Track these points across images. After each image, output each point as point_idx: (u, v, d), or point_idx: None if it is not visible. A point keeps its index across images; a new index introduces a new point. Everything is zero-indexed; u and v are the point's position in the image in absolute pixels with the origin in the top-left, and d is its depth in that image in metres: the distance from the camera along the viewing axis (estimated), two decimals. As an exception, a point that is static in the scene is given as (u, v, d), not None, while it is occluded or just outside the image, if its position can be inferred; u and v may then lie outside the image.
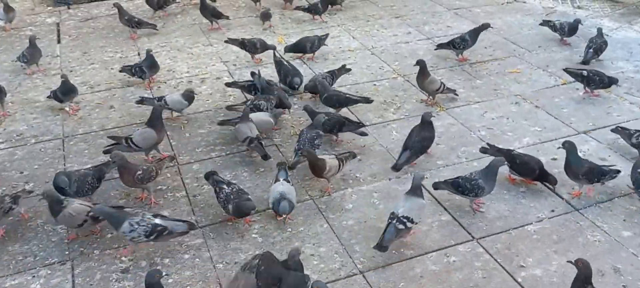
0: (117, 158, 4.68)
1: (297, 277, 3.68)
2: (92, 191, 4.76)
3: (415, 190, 4.31)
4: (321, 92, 6.02)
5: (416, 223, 4.26)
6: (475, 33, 7.16)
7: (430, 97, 6.29)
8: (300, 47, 7.33)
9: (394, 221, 4.16)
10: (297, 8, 8.78)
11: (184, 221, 4.36)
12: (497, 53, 7.49)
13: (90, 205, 4.43)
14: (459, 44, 7.14)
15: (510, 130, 5.75)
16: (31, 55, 7.23)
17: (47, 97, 6.41)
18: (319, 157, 4.90)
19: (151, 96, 6.39)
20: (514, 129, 5.78)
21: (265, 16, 8.44)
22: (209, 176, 4.72)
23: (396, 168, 5.18)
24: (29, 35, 8.43)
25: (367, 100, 5.93)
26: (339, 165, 4.87)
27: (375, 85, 6.76)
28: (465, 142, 5.58)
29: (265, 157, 5.25)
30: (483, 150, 5.13)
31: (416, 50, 7.65)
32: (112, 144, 5.28)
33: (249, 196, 4.54)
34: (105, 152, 5.24)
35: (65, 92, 6.26)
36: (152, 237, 4.15)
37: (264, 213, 4.68)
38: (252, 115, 5.58)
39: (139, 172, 4.67)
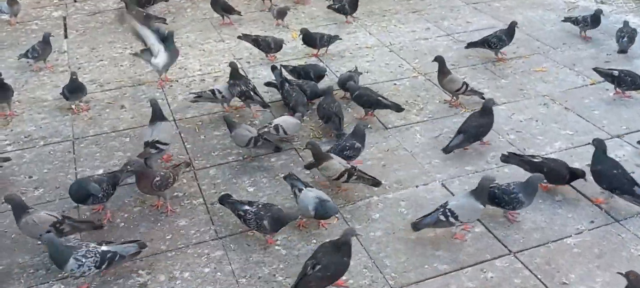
0: (136, 166, 4.44)
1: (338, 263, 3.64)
2: (107, 198, 4.52)
3: (479, 192, 4.10)
4: (352, 89, 5.77)
5: (460, 223, 4.08)
6: (510, 33, 6.85)
7: (453, 97, 6.04)
8: (311, 40, 7.04)
9: (440, 210, 4.09)
10: (329, 7, 8.33)
11: (133, 241, 4.05)
12: (521, 50, 7.22)
13: (57, 216, 4.14)
14: (495, 44, 6.83)
15: (541, 134, 5.50)
16: (43, 50, 6.98)
17: (60, 93, 6.14)
18: (327, 153, 4.75)
19: (200, 92, 6.02)
20: (544, 132, 5.52)
21: (281, 13, 8.13)
22: (224, 200, 4.40)
23: (446, 150, 5.11)
24: (35, 29, 8.29)
25: (399, 108, 5.64)
26: (342, 175, 4.59)
27: (395, 84, 6.50)
28: (494, 146, 5.32)
29: (277, 149, 5.08)
30: (504, 160, 4.86)
31: (436, 47, 7.38)
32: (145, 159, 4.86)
33: (279, 206, 4.31)
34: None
35: (72, 90, 6.02)
36: (103, 266, 3.83)
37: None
38: (280, 119, 5.36)
39: (157, 179, 4.43)
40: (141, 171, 4.43)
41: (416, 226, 4.15)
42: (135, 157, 4.69)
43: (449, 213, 4.05)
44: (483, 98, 5.89)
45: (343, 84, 6.06)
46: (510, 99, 6.12)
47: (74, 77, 6.03)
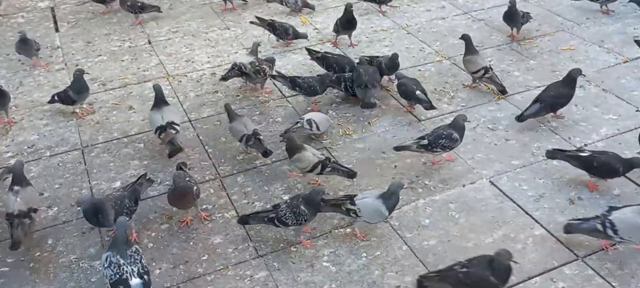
0: (182, 181, 4.01)
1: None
2: (130, 215, 4.10)
3: None
4: (398, 76, 5.46)
5: (620, 238, 3.72)
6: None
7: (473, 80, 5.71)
8: (353, 21, 6.50)
9: (600, 218, 3.76)
10: None
11: None
12: (544, 27, 6.89)
13: (21, 210, 3.99)
14: None
15: (583, 120, 5.20)
16: (23, 50, 6.44)
17: (50, 101, 5.53)
18: (303, 144, 4.52)
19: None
20: (587, 118, 5.22)
21: (307, 5, 7.51)
22: (246, 221, 4.06)
23: (520, 118, 5.02)
24: (21, 22, 7.71)
25: (431, 107, 5.24)
26: (315, 167, 4.36)
27: (420, 70, 6.13)
28: (537, 136, 5.02)
29: (266, 153, 4.71)
30: (550, 156, 4.55)
31: (455, 27, 7.00)
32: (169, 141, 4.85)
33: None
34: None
35: (79, 90, 5.51)
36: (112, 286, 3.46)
37: (330, 235, 4.10)
38: (311, 114, 4.99)
39: (196, 188, 4.10)
40: (187, 186, 4.03)
41: (569, 228, 3.88)
42: (177, 172, 4.23)
43: (608, 225, 3.69)
44: (500, 91, 5.55)
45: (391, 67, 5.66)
46: (544, 81, 5.77)
47: (78, 74, 5.52)
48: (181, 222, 4.25)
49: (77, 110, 5.59)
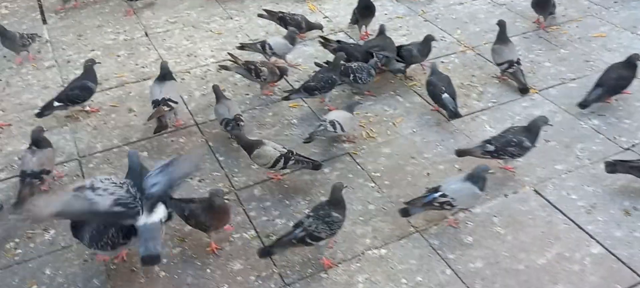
0: (220, 199, 3.58)
1: None
2: (114, 247, 3.48)
3: None
4: (431, 70, 4.97)
5: None
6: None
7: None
8: (371, 8, 6.02)
9: None
10: None
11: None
12: (570, 12, 6.43)
13: (39, 169, 4.09)
14: None
15: (627, 117, 4.78)
16: (8, 45, 5.91)
17: (43, 114, 4.90)
18: (261, 139, 4.23)
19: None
20: (630, 115, 4.80)
21: None
22: (270, 252, 3.55)
23: (583, 105, 4.77)
24: (5, 13, 7.13)
25: (456, 115, 4.71)
26: (277, 162, 4.08)
27: (443, 62, 5.65)
28: (579, 135, 4.61)
29: (238, 138, 4.39)
30: (610, 170, 4.04)
31: (475, 12, 6.53)
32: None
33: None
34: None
35: (96, 80, 5.14)
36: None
37: (363, 257, 3.67)
38: (333, 114, 4.55)
39: (229, 203, 3.70)
40: (223, 203, 3.63)
41: None
42: (215, 188, 3.79)
43: None
44: (522, 89, 5.08)
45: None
46: (578, 73, 5.36)
47: (90, 64, 5.10)
48: (212, 249, 3.76)
49: (87, 108, 5.14)
